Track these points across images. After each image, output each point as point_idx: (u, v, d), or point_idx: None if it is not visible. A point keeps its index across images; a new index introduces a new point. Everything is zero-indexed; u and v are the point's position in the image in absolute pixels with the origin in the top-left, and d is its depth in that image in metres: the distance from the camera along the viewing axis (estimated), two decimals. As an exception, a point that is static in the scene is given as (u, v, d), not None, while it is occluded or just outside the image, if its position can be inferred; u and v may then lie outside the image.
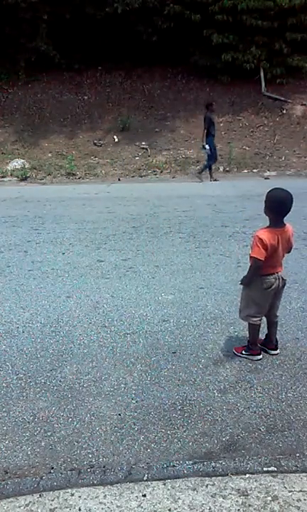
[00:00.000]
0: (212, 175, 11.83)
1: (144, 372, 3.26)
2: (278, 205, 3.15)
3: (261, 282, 3.24)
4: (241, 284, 3.39)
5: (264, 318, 3.50)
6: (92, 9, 14.75)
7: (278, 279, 3.28)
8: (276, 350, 3.48)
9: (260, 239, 3.11)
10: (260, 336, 3.50)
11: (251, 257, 3.20)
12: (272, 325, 3.51)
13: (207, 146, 11.37)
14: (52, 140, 14.78)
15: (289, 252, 3.41)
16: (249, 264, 3.24)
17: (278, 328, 3.62)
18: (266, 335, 3.53)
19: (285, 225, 3.22)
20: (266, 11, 14.33)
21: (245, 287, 3.38)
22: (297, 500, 2.11)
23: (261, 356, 3.42)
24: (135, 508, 2.12)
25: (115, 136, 14.76)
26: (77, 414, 2.86)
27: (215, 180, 11.70)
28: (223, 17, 14.41)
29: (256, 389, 3.06)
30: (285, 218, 3.23)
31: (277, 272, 3.27)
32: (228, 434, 2.66)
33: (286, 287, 4.59)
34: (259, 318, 3.39)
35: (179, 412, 2.85)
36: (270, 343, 3.50)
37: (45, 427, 2.77)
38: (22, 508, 2.15)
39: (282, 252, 3.26)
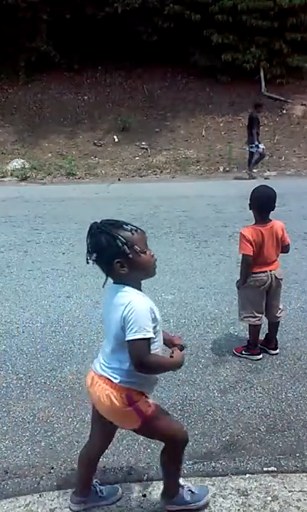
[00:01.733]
0: (251, 173, 11.93)
1: (144, 372, 3.26)
2: (260, 202, 3.23)
3: (252, 281, 3.27)
4: (237, 287, 3.40)
5: (265, 319, 3.50)
6: (92, 9, 14.75)
7: (271, 277, 3.26)
8: (276, 350, 3.48)
9: (243, 235, 3.21)
10: (260, 336, 3.51)
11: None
12: (272, 325, 3.51)
13: (261, 146, 11.56)
14: (52, 140, 14.78)
15: (286, 251, 3.39)
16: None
17: (278, 328, 3.63)
18: (266, 335, 3.54)
19: (270, 221, 3.25)
20: (266, 11, 14.32)
21: (239, 289, 3.39)
22: (297, 500, 2.11)
23: (260, 356, 3.42)
24: (135, 508, 2.12)
25: (115, 136, 14.75)
26: (77, 414, 2.86)
27: (253, 178, 11.84)
28: (223, 17, 14.41)
29: (256, 389, 3.06)
30: (293, 221, 3.24)
31: (269, 270, 3.26)
32: (228, 434, 2.66)
33: (286, 287, 4.60)
34: (257, 319, 3.38)
35: (179, 412, 2.85)
36: (270, 343, 3.50)
37: (45, 427, 2.77)
38: (22, 508, 2.15)
39: (273, 250, 3.26)
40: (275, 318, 3.46)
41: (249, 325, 3.44)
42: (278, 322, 3.51)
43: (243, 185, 10.70)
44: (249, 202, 3.27)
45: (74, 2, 14.65)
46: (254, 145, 11.52)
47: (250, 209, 3.30)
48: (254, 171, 11.89)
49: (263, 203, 3.22)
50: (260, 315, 3.38)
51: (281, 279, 3.37)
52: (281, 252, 3.38)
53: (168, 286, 4.81)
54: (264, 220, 3.24)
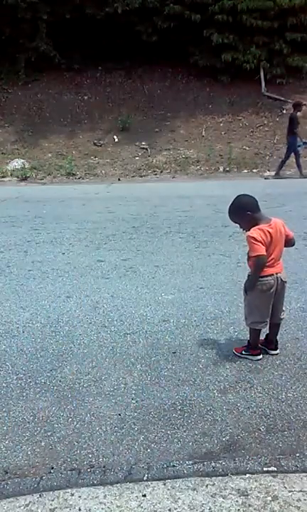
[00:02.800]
0: (280, 172, 11.97)
1: (144, 372, 3.26)
2: (240, 207, 3.17)
3: (259, 285, 3.18)
4: (245, 291, 3.30)
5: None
6: (92, 9, 14.75)
7: (277, 280, 3.20)
8: (276, 350, 3.46)
9: (252, 237, 3.06)
10: (261, 336, 3.50)
11: (250, 258, 3.15)
12: (274, 326, 3.46)
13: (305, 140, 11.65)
14: (52, 140, 14.78)
15: (292, 244, 3.33)
16: (250, 269, 3.20)
17: (279, 329, 3.63)
18: (267, 335, 3.53)
19: (270, 219, 3.17)
20: (266, 11, 14.33)
21: (246, 292, 3.30)
22: (297, 500, 2.11)
23: (261, 356, 3.41)
24: (135, 508, 2.12)
25: (115, 136, 14.76)
26: (77, 414, 2.86)
27: (278, 176, 11.80)
28: (223, 17, 14.41)
29: (256, 389, 3.06)
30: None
31: (276, 273, 3.19)
32: (228, 434, 2.66)
33: (285, 287, 4.60)
34: (264, 324, 3.34)
35: (179, 412, 2.85)
36: (270, 344, 3.49)
37: (45, 427, 2.76)
38: (22, 508, 2.15)
39: (279, 250, 3.19)
40: (278, 319, 3.43)
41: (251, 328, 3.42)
42: (280, 323, 3.49)
43: (243, 186, 10.70)
44: (238, 218, 3.20)
45: (74, 2, 14.66)
46: (302, 143, 11.61)
47: (243, 223, 3.19)
48: (254, 170, 11.90)
49: (252, 206, 3.15)
50: (267, 319, 3.33)
51: (286, 282, 3.31)
52: (287, 246, 3.30)
53: (168, 286, 4.81)
54: (265, 220, 3.16)
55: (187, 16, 14.58)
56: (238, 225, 3.28)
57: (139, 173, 12.81)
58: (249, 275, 3.25)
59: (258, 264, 3.12)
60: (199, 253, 5.82)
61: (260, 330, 3.39)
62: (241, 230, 3.26)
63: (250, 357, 3.39)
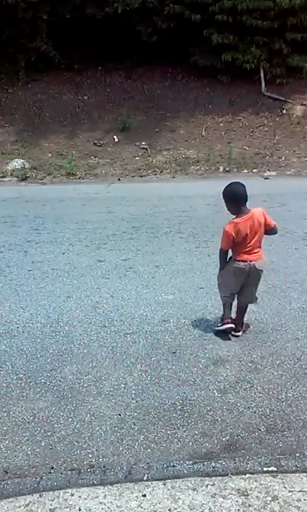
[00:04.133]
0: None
1: (144, 372, 3.26)
2: (233, 196, 3.48)
3: (233, 267, 3.58)
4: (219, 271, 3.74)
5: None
6: (92, 9, 14.73)
7: (250, 267, 3.53)
8: (239, 332, 3.74)
9: (225, 231, 3.49)
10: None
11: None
12: (240, 309, 3.77)
13: None
14: (52, 140, 14.77)
15: (274, 233, 3.62)
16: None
17: (277, 329, 3.64)
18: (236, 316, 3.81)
19: (249, 211, 3.48)
20: (266, 11, 14.29)
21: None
22: (297, 500, 2.11)
23: (232, 325, 3.65)
24: (135, 508, 2.12)
25: (115, 136, 14.75)
26: (77, 414, 2.86)
27: None
28: (223, 17, 14.37)
29: (256, 389, 3.06)
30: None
31: (251, 261, 3.52)
32: (228, 434, 2.66)
33: (285, 287, 4.62)
34: (231, 298, 3.73)
35: (179, 412, 2.85)
36: (237, 324, 3.75)
37: (45, 427, 2.77)
38: (22, 508, 2.15)
39: (256, 239, 3.50)
40: (248, 301, 3.77)
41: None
42: (247, 306, 3.79)
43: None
44: (224, 203, 3.52)
45: (74, 2, 14.63)
46: None
47: (228, 208, 3.54)
48: (254, 170, 11.89)
49: (238, 197, 3.46)
50: (234, 293, 3.71)
51: (262, 271, 3.60)
52: (269, 234, 3.61)
53: (168, 286, 4.81)
54: (243, 212, 3.47)
55: (187, 16, 14.55)
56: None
57: (139, 173, 12.79)
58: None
59: (219, 256, 3.66)
60: (199, 253, 5.82)
61: (230, 304, 3.75)
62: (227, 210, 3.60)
63: (223, 327, 3.66)
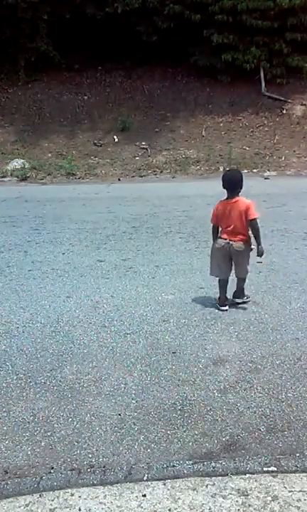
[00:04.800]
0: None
1: (144, 372, 3.26)
2: (226, 182, 4.07)
3: (215, 242, 4.22)
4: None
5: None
6: (92, 9, 14.73)
7: (228, 245, 4.06)
8: (225, 307, 4.19)
9: (215, 208, 4.21)
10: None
11: None
12: (223, 283, 4.26)
13: None
14: (52, 140, 14.77)
15: (253, 226, 4.00)
16: None
17: (277, 329, 3.65)
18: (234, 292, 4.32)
19: (236, 198, 4.05)
20: (266, 11, 14.29)
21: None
22: (297, 501, 2.11)
23: (226, 308, 4.18)
24: (135, 508, 2.12)
25: (115, 136, 14.75)
26: (77, 414, 2.86)
27: None
28: (223, 17, 14.37)
29: (256, 389, 3.06)
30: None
31: (229, 239, 4.07)
32: (228, 434, 2.66)
33: (285, 287, 4.63)
34: (217, 275, 4.27)
35: (179, 412, 2.85)
36: (237, 296, 4.32)
37: (45, 427, 2.77)
38: (22, 508, 2.15)
39: (237, 222, 4.02)
40: (237, 276, 4.26)
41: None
42: (242, 278, 4.27)
43: (243, 186, 10.69)
44: (227, 184, 4.07)
45: (74, 2, 14.63)
46: None
47: (223, 188, 4.11)
48: (254, 170, 11.89)
49: (230, 184, 4.04)
50: (217, 273, 4.25)
51: (240, 252, 4.06)
52: (250, 227, 4.02)
53: (168, 286, 4.82)
54: (233, 197, 4.05)
55: (187, 16, 14.55)
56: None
57: (139, 173, 12.80)
58: None
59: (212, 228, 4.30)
60: (199, 253, 5.81)
61: (222, 283, 4.25)
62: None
63: (224, 308, 4.18)
